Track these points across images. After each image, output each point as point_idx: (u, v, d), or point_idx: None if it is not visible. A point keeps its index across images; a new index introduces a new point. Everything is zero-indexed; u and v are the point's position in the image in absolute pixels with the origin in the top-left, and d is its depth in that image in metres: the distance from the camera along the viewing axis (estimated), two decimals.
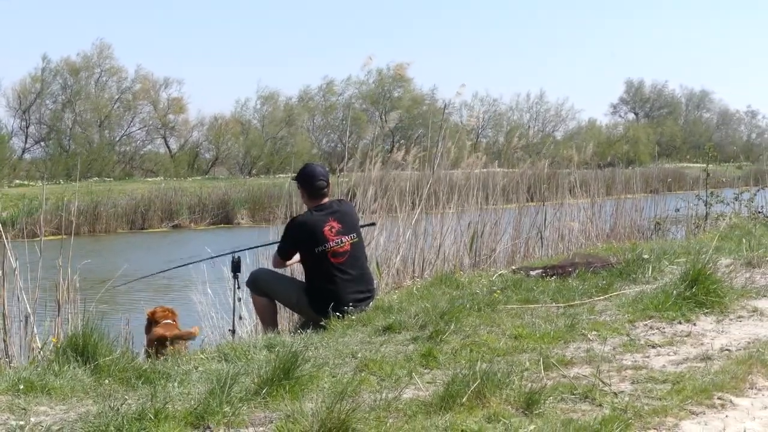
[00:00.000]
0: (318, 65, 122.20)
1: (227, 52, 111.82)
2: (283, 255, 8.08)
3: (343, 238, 7.82)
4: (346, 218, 8.01)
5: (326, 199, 8.04)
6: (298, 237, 7.86)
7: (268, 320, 7.99)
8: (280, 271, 8.36)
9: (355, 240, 7.96)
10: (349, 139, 16.23)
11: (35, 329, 8.65)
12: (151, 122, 66.80)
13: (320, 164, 8.58)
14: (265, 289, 8.02)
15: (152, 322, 7.88)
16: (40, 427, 4.48)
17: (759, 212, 14.61)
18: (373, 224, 10.09)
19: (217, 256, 9.16)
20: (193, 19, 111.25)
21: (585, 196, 15.31)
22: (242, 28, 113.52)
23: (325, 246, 7.74)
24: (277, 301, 8.20)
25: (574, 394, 5.00)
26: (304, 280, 8.10)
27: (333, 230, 7.79)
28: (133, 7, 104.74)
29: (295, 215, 8.82)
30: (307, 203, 8.07)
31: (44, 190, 20.43)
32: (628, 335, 6.37)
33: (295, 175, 8.23)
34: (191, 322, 10.01)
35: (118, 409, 4.51)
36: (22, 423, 4.53)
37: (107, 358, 5.61)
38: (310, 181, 8.00)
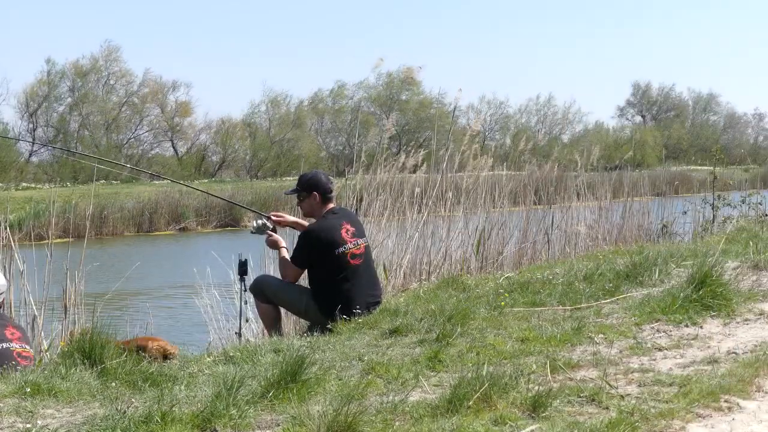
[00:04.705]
0: (328, 68, 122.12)
1: (236, 53, 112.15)
2: (299, 263, 7.91)
3: (358, 241, 7.86)
4: (356, 223, 8.14)
5: (332, 204, 8.07)
6: (319, 243, 7.77)
7: (273, 327, 7.94)
8: None
9: (366, 243, 8.05)
10: (356, 142, 16.24)
11: (42, 332, 8.67)
12: (158, 125, 66.94)
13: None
14: (270, 297, 7.95)
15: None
16: (46, 430, 4.49)
17: (766, 215, 14.57)
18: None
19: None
20: (200, 21, 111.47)
21: (592, 198, 15.30)
22: (250, 30, 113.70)
23: (344, 248, 7.74)
24: (282, 308, 8.16)
25: (580, 397, 4.99)
26: (308, 286, 8.07)
27: (349, 233, 7.82)
28: (142, 10, 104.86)
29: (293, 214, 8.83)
30: (319, 208, 8.01)
31: (54, 193, 20.46)
32: (634, 338, 6.36)
33: (299, 188, 8.09)
34: (198, 326, 10.04)
35: (124, 412, 4.53)
36: (29, 426, 4.54)
37: (114, 361, 5.62)
38: (323, 186, 8.00)
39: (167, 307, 16.54)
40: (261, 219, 8.37)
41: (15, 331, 6.88)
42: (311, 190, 8.01)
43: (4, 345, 6.58)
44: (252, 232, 8.43)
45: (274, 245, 8.23)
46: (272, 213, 8.55)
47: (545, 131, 79.40)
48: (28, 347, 6.92)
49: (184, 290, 16.40)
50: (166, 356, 7.23)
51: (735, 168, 24.88)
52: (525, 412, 4.72)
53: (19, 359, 6.51)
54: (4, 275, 8.01)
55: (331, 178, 8.26)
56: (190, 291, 12.04)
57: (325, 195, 7.99)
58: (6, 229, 9.37)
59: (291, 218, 8.56)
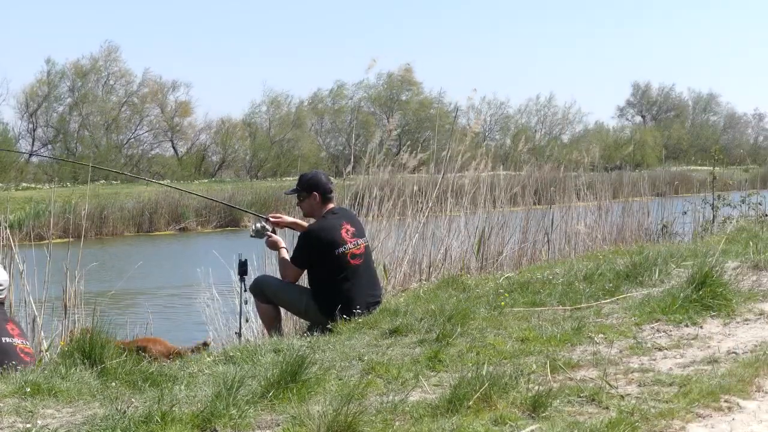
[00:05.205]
0: (328, 68, 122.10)
1: (236, 53, 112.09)
2: (299, 264, 7.92)
3: (358, 241, 7.87)
4: (356, 223, 8.15)
5: (332, 204, 8.07)
6: (319, 243, 7.78)
7: (273, 327, 7.94)
8: None
9: (366, 243, 8.07)
10: (356, 143, 16.25)
11: (42, 332, 8.67)
12: (158, 125, 66.94)
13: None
14: (270, 297, 7.94)
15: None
16: (46, 430, 4.49)
17: (766, 215, 14.57)
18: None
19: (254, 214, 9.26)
20: (200, 21, 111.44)
21: (592, 198, 15.31)
22: (250, 30, 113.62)
23: (344, 248, 7.74)
24: (282, 308, 8.16)
25: (580, 397, 4.99)
26: (308, 286, 8.06)
27: (349, 233, 7.82)
28: (142, 10, 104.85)
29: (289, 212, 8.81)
30: (319, 208, 8.01)
31: (53, 193, 20.49)
32: (634, 338, 6.36)
33: (299, 188, 8.11)
34: (198, 326, 10.04)
35: (124, 412, 4.53)
36: (29, 426, 4.54)
37: (114, 361, 5.62)
38: (323, 186, 8.01)
39: (167, 306, 16.53)
40: (260, 222, 8.34)
41: (14, 327, 6.90)
42: (311, 190, 8.01)
43: (7, 339, 6.60)
44: (252, 236, 8.42)
45: (274, 246, 8.24)
46: (270, 214, 8.54)
47: (545, 131, 79.40)
48: (28, 344, 6.94)
49: (185, 290, 16.40)
50: (169, 355, 7.27)
51: (735, 168, 24.85)
52: (525, 412, 4.72)
53: (22, 355, 6.53)
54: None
55: (330, 178, 8.26)
56: (190, 291, 12.05)
57: (325, 195, 7.99)
58: (6, 229, 9.38)
59: (289, 219, 8.55)
